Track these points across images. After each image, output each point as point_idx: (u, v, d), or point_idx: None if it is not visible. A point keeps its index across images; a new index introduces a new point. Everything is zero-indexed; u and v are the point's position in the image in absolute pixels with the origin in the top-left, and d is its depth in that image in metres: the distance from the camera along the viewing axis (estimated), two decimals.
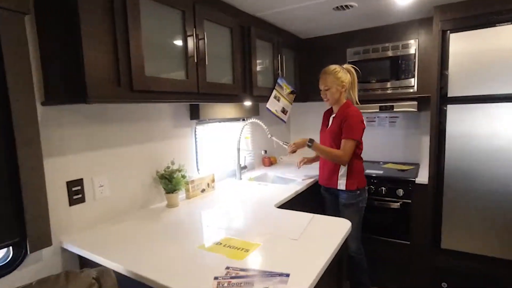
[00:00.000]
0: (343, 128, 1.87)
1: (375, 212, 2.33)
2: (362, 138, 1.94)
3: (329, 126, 2.00)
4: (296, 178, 2.27)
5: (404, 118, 2.73)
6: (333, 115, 1.99)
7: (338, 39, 2.58)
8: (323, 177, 2.06)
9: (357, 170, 1.93)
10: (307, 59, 2.72)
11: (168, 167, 1.75)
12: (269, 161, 2.80)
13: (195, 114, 1.97)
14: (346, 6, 1.92)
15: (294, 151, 2.00)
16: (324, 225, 1.37)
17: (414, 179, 2.17)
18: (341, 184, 1.94)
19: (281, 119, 2.30)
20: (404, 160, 2.75)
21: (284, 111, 2.30)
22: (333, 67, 1.94)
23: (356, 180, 1.92)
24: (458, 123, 1.94)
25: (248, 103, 2.22)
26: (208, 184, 2.02)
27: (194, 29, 1.48)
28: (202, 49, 1.53)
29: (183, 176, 1.78)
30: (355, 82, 1.97)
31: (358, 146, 1.92)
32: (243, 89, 1.93)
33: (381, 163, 2.76)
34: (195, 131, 2.04)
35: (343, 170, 1.93)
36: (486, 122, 1.86)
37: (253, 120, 2.26)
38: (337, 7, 1.94)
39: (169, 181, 1.71)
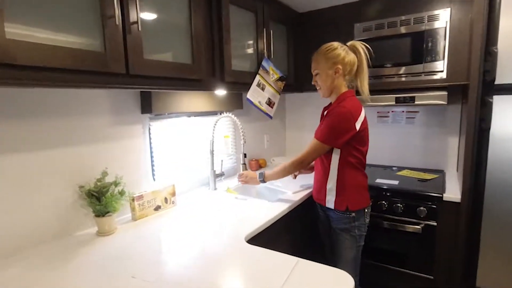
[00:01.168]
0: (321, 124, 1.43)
1: (387, 236, 1.80)
2: (369, 141, 1.46)
3: (320, 123, 1.51)
4: (286, 191, 1.76)
5: (426, 113, 2.17)
6: (327, 110, 1.47)
7: (343, 12, 2.02)
8: (314, 189, 1.58)
9: (350, 184, 1.41)
10: (304, 37, 2.18)
11: (99, 180, 1.26)
12: (257, 165, 2.29)
13: (147, 106, 1.47)
14: None
15: (245, 183, 1.69)
16: (311, 281, 0.86)
17: (441, 195, 1.64)
18: (330, 201, 1.45)
19: (267, 114, 1.78)
20: (424, 166, 2.21)
21: (270, 102, 1.78)
22: (328, 44, 1.43)
23: (349, 197, 1.41)
24: (508, 121, 1.40)
25: (221, 92, 1.70)
26: (166, 199, 1.53)
27: None
28: (132, 10, 1.01)
29: (121, 192, 1.28)
30: (364, 64, 1.42)
31: (351, 153, 1.39)
32: (210, 73, 1.41)
33: (395, 169, 2.22)
34: (149, 129, 1.54)
35: (331, 183, 1.43)
36: None
37: (226, 115, 1.73)
38: None
39: (98, 200, 1.21)
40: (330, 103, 1.52)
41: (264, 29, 1.73)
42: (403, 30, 1.82)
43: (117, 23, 0.96)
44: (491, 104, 1.41)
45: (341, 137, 1.34)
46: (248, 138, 2.26)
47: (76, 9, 0.89)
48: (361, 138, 1.40)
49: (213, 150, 1.80)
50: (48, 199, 1.16)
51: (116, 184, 1.28)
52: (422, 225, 1.69)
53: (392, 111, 2.30)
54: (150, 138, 1.54)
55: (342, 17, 2.02)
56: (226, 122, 2.04)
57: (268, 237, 1.32)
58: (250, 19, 1.66)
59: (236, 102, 1.98)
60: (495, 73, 1.39)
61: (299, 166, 1.45)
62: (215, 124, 1.76)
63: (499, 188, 1.46)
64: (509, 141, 1.41)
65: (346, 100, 1.38)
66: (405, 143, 2.27)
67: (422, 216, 1.68)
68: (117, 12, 0.96)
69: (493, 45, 1.38)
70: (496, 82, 1.40)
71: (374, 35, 1.92)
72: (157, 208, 1.49)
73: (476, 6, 1.42)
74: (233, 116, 1.68)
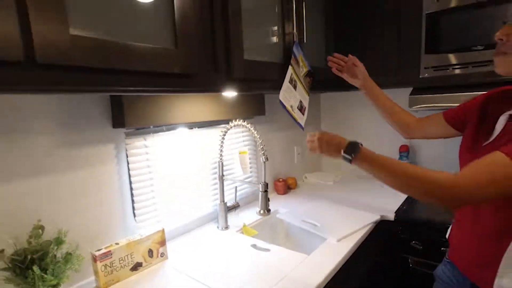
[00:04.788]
0: None
1: None
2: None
3: (493, 139, 0.79)
4: (326, 236, 1.20)
5: None
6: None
7: None
8: (467, 253, 0.85)
9: None
10: (348, 11, 1.61)
11: (32, 237, 0.79)
12: (285, 186, 1.75)
13: (119, 117, 0.99)
14: None
15: (315, 151, 0.88)
16: None
17: None
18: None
19: (298, 124, 1.24)
20: None
21: (301, 107, 1.24)
22: None
23: None
24: None
25: (226, 93, 1.17)
26: (150, 252, 1.04)
27: None
28: None
29: (66, 258, 0.81)
30: None
31: None
32: (207, 64, 0.90)
33: None
34: (126, 151, 1.06)
35: None
36: None
37: (236, 123, 1.21)
38: None
39: (23, 274, 0.74)
40: (499, 94, 0.86)
41: None
42: None
43: None
44: None
45: None
46: (273, 152, 1.73)
47: None
48: None
49: (222, 175, 1.29)
50: None
51: (58, 242, 0.80)
52: None
53: None
54: (128, 164, 1.06)
55: None
56: (241, 133, 1.53)
57: None
58: None
59: (257, 106, 1.46)
60: None
61: (445, 197, 0.69)
62: (223, 138, 1.25)
63: None
64: None
65: None
66: None
67: None
68: None
69: None
70: None
71: (455, 4, 1.31)
72: (136, 267, 1.01)
73: None
74: (246, 123, 1.16)
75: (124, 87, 0.70)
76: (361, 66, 1.15)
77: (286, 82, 1.15)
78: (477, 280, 0.81)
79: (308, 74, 1.26)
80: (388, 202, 1.53)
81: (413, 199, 1.58)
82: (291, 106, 1.17)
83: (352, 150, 0.78)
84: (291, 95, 1.17)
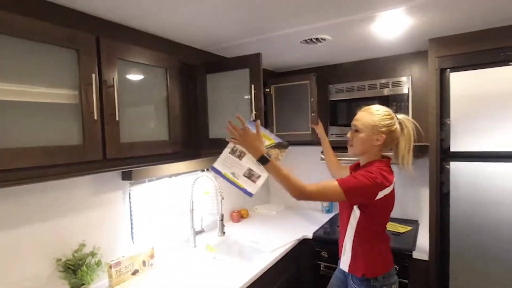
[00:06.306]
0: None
1: None
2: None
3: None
4: (264, 249, 1.80)
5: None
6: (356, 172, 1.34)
7: (319, 73, 2.18)
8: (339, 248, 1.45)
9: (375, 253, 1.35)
10: (279, 95, 2.32)
11: (76, 251, 1.31)
12: (239, 216, 2.34)
13: (127, 174, 1.55)
14: (317, 39, 1.53)
15: (234, 142, 1.28)
16: None
17: (410, 252, 1.70)
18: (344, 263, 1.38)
19: (243, 190, 1.32)
20: (401, 216, 2.29)
21: (251, 175, 1.32)
22: (379, 107, 1.35)
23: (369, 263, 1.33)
24: (466, 186, 1.50)
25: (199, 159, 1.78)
26: (144, 262, 1.56)
27: (97, 75, 1.07)
28: (111, 100, 1.12)
29: (97, 263, 1.33)
30: (411, 141, 1.34)
31: (373, 223, 1.33)
32: (186, 144, 1.51)
33: None
34: (129, 195, 1.61)
35: (348, 242, 1.35)
36: (498, 186, 1.42)
37: (203, 174, 1.82)
38: (305, 40, 1.54)
39: (74, 273, 1.26)
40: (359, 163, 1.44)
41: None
42: (370, 93, 1.97)
43: (95, 118, 1.06)
44: (448, 170, 1.52)
45: (366, 190, 1.22)
46: (229, 190, 2.33)
47: (55, 110, 0.99)
48: (372, 198, 1.28)
49: (192, 209, 1.86)
50: (26, 275, 1.20)
51: (93, 254, 1.32)
52: None
53: None
54: (130, 203, 1.61)
55: (318, 77, 2.18)
56: (207, 178, 2.12)
57: None
58: (233, 83, 1.75)
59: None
60: (449, 141, 1.51)
61: (301, 197, 1.19)
62: (194, 184, 1.83)
63: (463, 250, 1.53)
64: (467, 205, 1.50)
65: (381, 167, 1.30)
66: None
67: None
68: (95, 107, 1.06)
69: (446, 117, 1.51)
70: (451, 150, 1.51)
71: (346, 97, 2.06)
72: (135, 272, 1.52)
73: (431, 79, 1.57)
74: (211, 176, 1.76)
75: (140, 164, 1.28)
76: (321, 125, 1.81)
77: (225, 153, 1.33)
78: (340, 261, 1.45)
79: (275, 146, 1.37)
80: (310, 226, 2.17)
81: (327, 225, 2.24)
82: (233, 174, 1.32)
83: (262, 162, 1.21)
84: (233, 164, 1.33)
